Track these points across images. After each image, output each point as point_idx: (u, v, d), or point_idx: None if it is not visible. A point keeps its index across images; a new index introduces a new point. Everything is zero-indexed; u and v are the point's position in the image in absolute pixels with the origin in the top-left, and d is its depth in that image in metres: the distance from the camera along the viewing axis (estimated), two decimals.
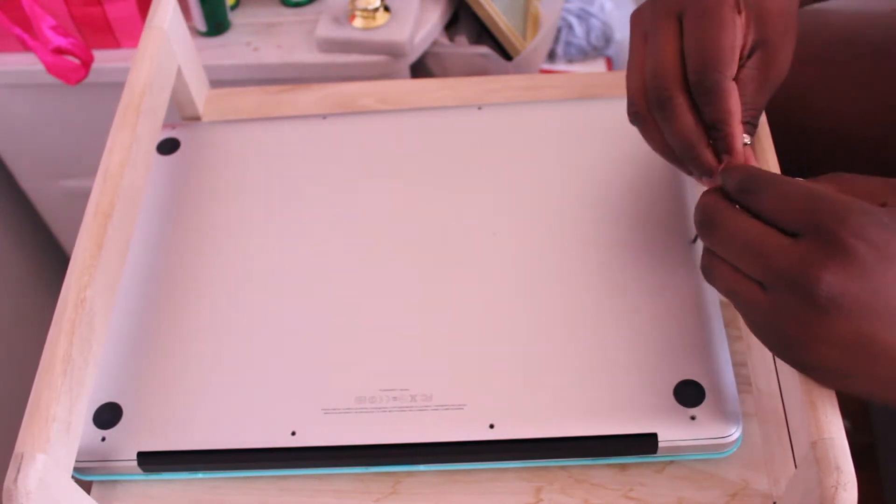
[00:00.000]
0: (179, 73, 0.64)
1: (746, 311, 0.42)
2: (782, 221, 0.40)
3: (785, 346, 0.41)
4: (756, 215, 0.41)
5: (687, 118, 0.46)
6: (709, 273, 0.44)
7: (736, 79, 0.46)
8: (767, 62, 0.47)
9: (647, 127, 0.49)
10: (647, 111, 0.48)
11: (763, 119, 0.52)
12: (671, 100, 0.46)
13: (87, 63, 0.78)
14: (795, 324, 0.39)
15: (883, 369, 0.39)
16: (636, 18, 0.49)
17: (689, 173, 0.49)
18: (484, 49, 0.91)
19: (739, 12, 0.46)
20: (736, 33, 0.45)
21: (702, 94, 0.45)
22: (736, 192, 0.43)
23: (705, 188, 0.46)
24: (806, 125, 0.69)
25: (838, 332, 0.38)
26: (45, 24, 0.76)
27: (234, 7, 0.91)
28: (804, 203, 0.40)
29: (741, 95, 0.46)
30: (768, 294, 0.40)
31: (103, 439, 0.50)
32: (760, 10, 0.47)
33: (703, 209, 0.44)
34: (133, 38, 0.87)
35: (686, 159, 0.47)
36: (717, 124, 0.46)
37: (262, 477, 0.51)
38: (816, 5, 0.74)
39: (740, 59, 0.47)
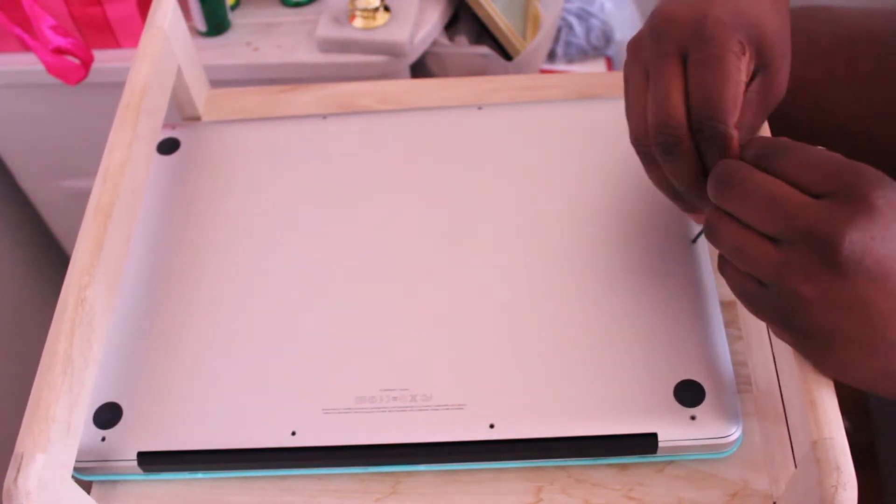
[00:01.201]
0: (179, 72, 0.64)
1: (752, 267, 0.41)
2: (806, 183, 0.40)
3: (785, 304, 0.40)
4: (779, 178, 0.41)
5: (692, 165, 0.46)
6: (714, 230, 0.43)
7: None
8: (767, 86, 0.47)
9: (650, 163, 0.48)
10: (650, 149, 0.47)
11: (765, 124, 0.52)
12: (678, 146, 0.45)
13: (87, 63, 0.78)
14: (804, 280, 0.39)
15: (871, 336, 0.39)
16: (634, 48, 0.48)
17: (685, 210, 0.49)
18: (484, 49, 0.91)
19: (744, 52, 0.45)
20: (740, 80, 0.45)
21: (704, 140, 0.45)
22: (757, 160, 0.42)
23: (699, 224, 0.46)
24: (812, 123, 0.69)
25: (846, 293, 0.39)
26: (45, 24, 0.76)
27: (234, 7, 0.91)
28: (830, 167, 0.40)
29: (740, 118, 0.45)
30: (781, 249, 0.40)
31: (103, 439, 0.50)
32: (761, 38, 0.45)
33: (723, 167, 0.43)
34: (133, 38, 0.87)
35: (688, 199, 0.48)
36: None
37: (262, 477, 0.51)
38: (823, 3, 0.74)
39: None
